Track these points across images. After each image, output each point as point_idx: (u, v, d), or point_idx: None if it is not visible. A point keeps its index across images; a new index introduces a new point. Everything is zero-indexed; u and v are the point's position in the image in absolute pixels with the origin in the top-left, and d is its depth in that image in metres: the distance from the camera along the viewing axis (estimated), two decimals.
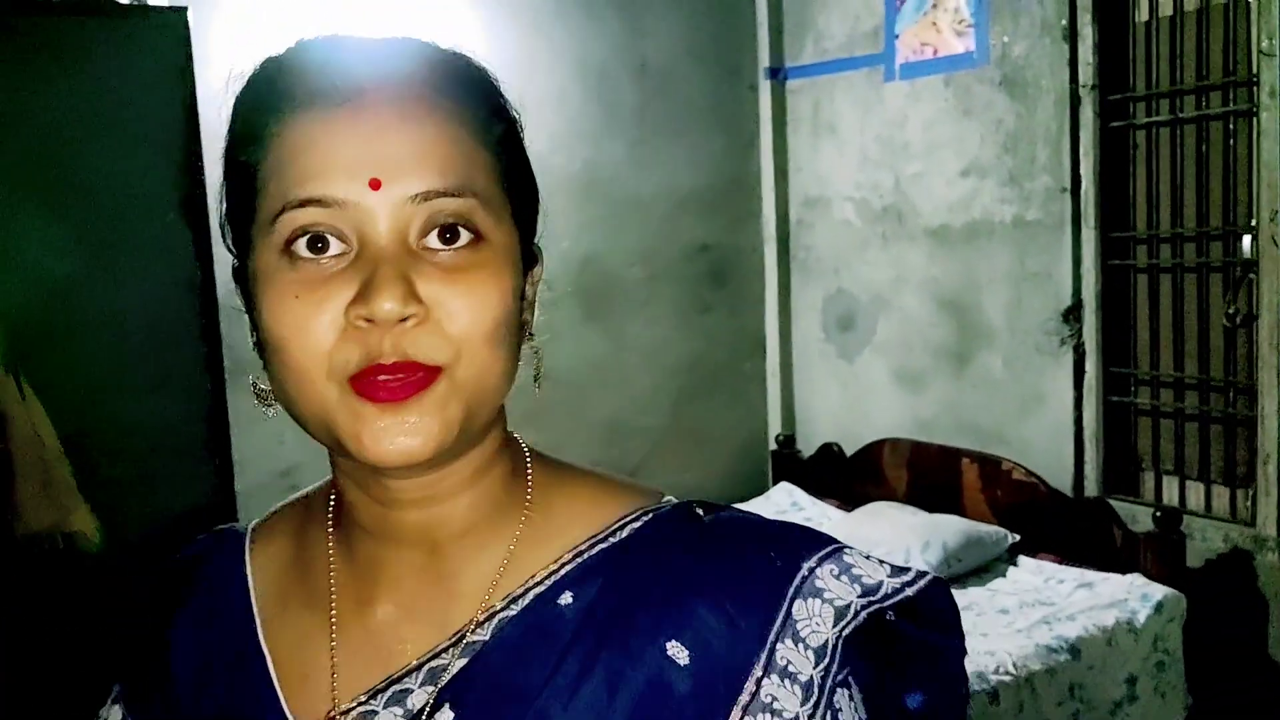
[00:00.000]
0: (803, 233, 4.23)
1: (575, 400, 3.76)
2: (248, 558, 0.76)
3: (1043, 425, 3.45)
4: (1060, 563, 3.22)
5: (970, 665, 2.65)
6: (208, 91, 3.09)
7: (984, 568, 3.29)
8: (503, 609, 0.66)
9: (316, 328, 0.60)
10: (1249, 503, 3.01)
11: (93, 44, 2.63)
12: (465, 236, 0.61)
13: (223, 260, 2.97)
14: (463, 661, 0.65)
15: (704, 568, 0.66)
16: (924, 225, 3.75)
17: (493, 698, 0.64)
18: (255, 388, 0.70)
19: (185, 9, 2.66)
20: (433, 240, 0.61)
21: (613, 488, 0.72)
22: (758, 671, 0.63)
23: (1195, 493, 3.18)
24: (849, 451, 3.98)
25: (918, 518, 3.45)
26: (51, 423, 2.51)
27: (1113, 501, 3.25)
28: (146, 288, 2.67)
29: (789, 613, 0.64)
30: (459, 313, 0.60)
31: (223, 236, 0.69)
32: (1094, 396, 3.33)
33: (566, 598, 0.66)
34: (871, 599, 0.66)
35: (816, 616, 0.64)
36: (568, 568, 0.67)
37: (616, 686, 0.63)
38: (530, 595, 0.67)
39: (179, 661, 0.75)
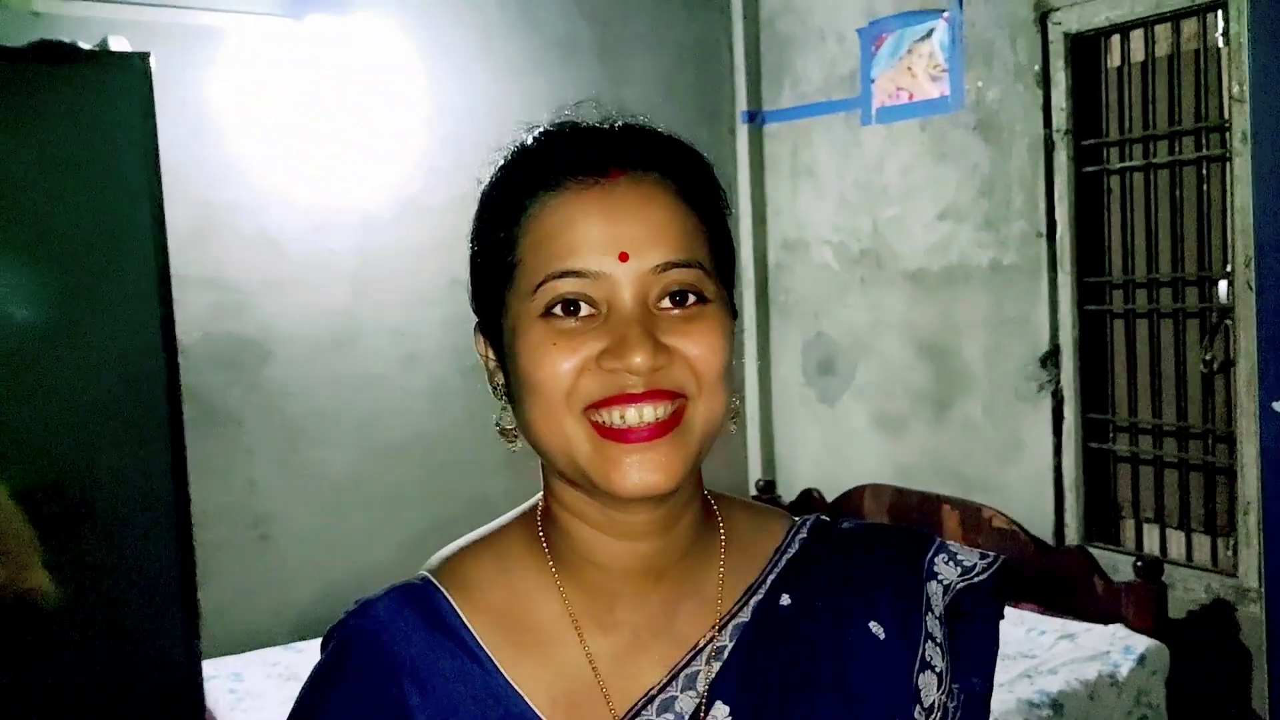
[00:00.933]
0: (782, 276, 4.21)
1: None
2: (458, 609, 0.78)
3: (1022, 472, 3.41)
4: (1042, 612, 3.16)
5: None
6: (169, 137, 3.08)
7: None
8: (736, 616, 0.80)
9: (569, 368, 0.71)
10: (1230, 552, 2.97)
11: (56, 91, 2.60)
12: (693, 299, 0.73)
13: (184, 305, 2.90)
14: (717, 665, 0.78)
15: (870, 569, 0.83)
16: (902, 269, 3.73)
17: (753, 688, 0.77)
18: (499, 426, 0.80)
19: (148, 54, 2.63)
20: (666, 302, 0.73)
21: (763, 509, 0.89)
22: (922, 639, 0.81)
23: (1176, 541, 3.14)
24: (830, 497, 3.93)
25: None
26: (9, 475, 2.45)
27: (1094, 550, 3.21)
28: (112, 337, 2.62)
29: (926, 594, 0.83)
30: (698, 352, 0.71)
31: (471, 298, 0.81)
32: (1073, 443, 3.30)
33: (785, 599, 0.81)
34: (967, 577, 0.84)
35: (937, 594, 0.83)
36: (771, 577, 0.82)
37: (843, 658, 0.79)
38: (753, 602, 0.81)
39: None
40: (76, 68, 2.64)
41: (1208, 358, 2.97)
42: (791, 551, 0.85)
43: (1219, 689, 2.91)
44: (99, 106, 2.62)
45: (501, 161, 0.78)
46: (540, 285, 0.72)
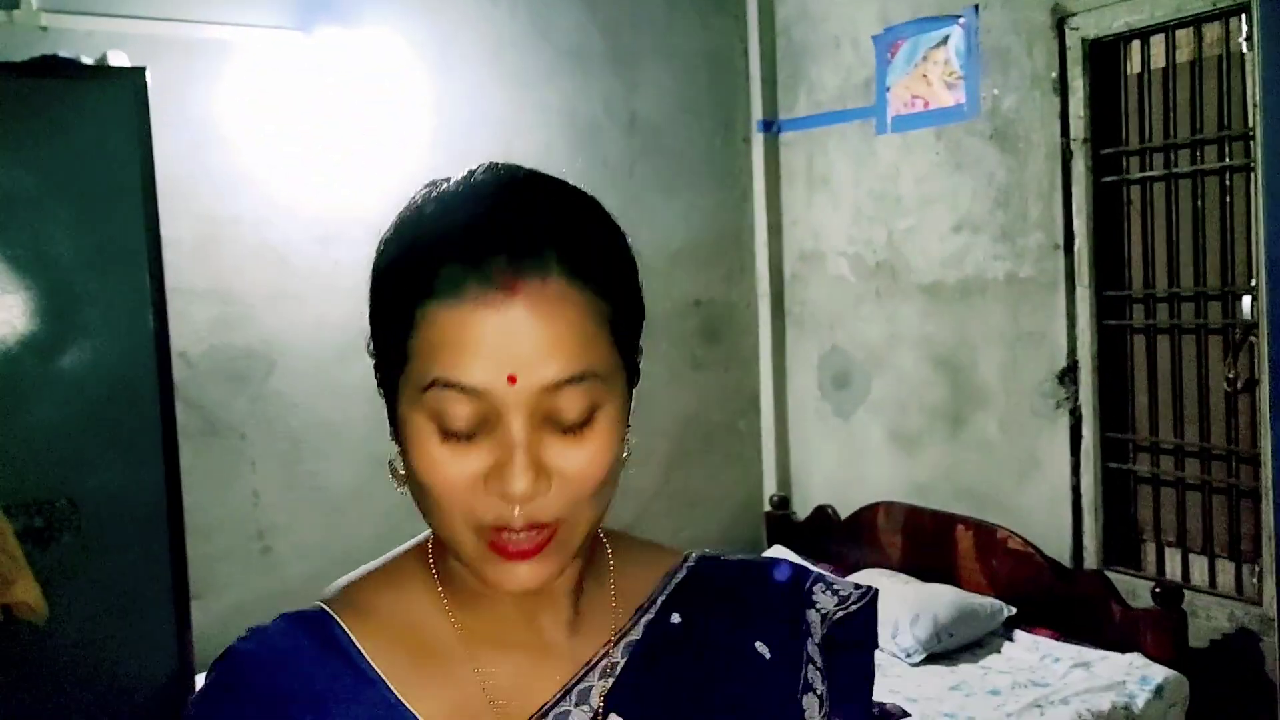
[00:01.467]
0: (797, 287, 4.13)
1: None
2: (351, 634, 0.79)
3: (1040, 491, 3.30)
4: (1057, 638, 3.05)
5: None
6: (173, 150, 3.08)
7: (978, 642, 3.14)
8: (628, 634, 0.82)
9: (459, 490, 0.71)
10: (1255, 579, 2.84)
11: (54, 105, 2.60)
12: (586, 411, 0.72)
13: (188, 317, 2.90)
14: (609, 680, 0.80)
15: (755, 594, 0.87)
16: (917, 282, 3.64)
17: (646, 701, 0.80)
18: (391, 467, 0.79)
19: (144, 69, 2.63)
20: (557, 417, 0.72)
21: (656, 544, 0.92)
22: (804, 662, 0.85)
23: (1199, 567, 3.01)
24: (844, 514, 3.84)
25: (910, 588, 3.31)
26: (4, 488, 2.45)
27: (1112, 574, 3.09)
28: (103, 349, 2.61)
29: (806, 621, 0.87)
30: (576, 477, 0.72)
31: (369, 342, 0.79)
32: (1092, 462, 3.18)
33: (676, 618, 0.84)
34: (842, 606, 0.88)
35: (815, 622, 0.87)
36: (661, 598, 0.85)
37: (731, 675, 0.82)
38: (644, 621, 0.84)
39: None
40: (74, 82, 2.64)
41: (1231, 375, 2.85)
42: (680, 576, 0.88)
43: None
44: (96, 120, 2.62)
45: (397, 238, 0.76)
46: (428, 388, 0.71)
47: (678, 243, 4.08)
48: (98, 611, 2.59)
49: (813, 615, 0.87)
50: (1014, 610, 3.18)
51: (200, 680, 2.79)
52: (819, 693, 0.85)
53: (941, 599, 3.18)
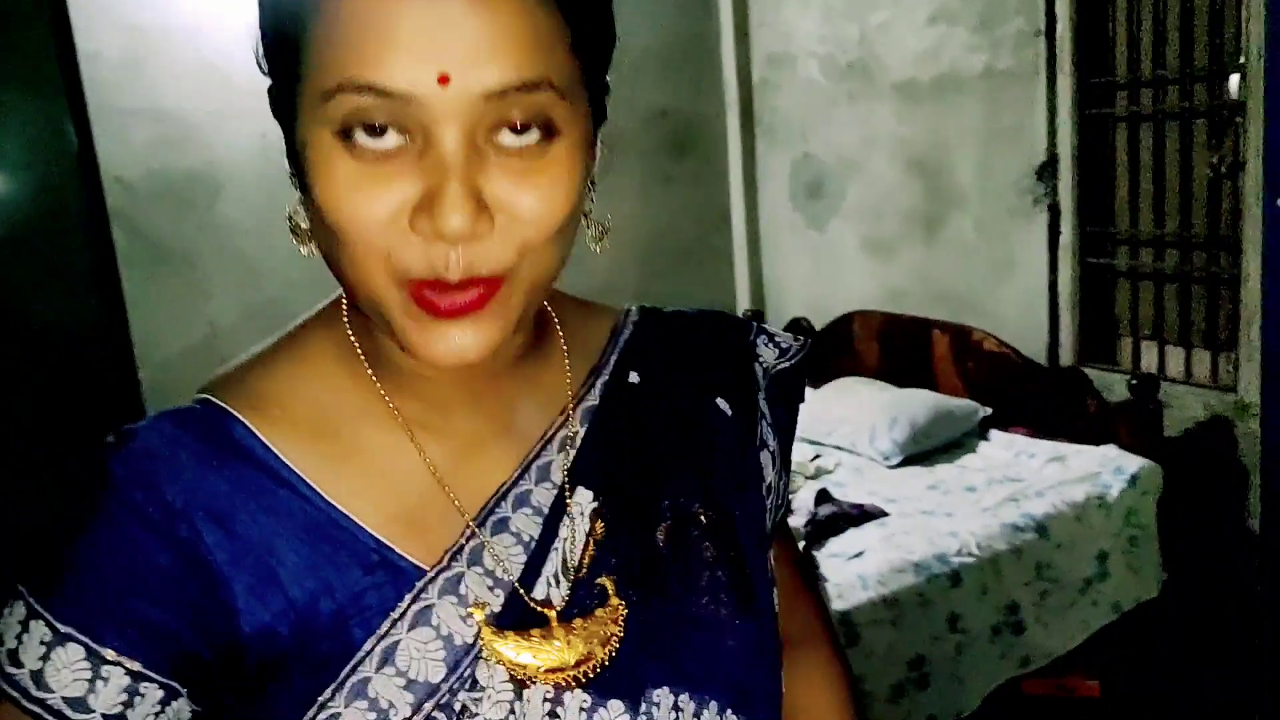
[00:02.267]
0: (767, 94, 3.96)
1: None
2: (254, 429, 0.64)
3: (1017, 291, 3.25)
4: (1032, 436, 3.06)
5: (931, 547, 2.53)
6: None
7: (954, 443, 3.13)
8: (584, 400, 0.72)
9: (378, 226, 0.56)
10: (1231, 367, 2.82)
11: None
12: (538, 134, 0.57)
13: (122, 138, 2.74)
14: (570, 452, 0.70)
15: (706, 349, 0.79)
16: (891, 80, 3.48)
17: (611, 469, 0.70)
18: (292, 223, 0.65)
19: None
20: (503, 136, 0.56)
21: (590, 302, 0.80)
22: (759, 418, 0.78)
23: (1175, 358, 2.99)
24: (819, 325, 3.79)
25: (886, 394, 3.29)
26: None
27: (1088, 370, 3.07)
28: (28, 173, 2.45)
29: (755, 375, 0.79)
30: (526, 217, 0.57)
31: (260, 68, 0.62)
32: (1069, 258, 3.12)
33: (634, 377, 0.75)
34: (781, 360, 0.81)
35: (759, 375, 0.80)
36: (613, 358, 0.75)
37: (693, 432, 0.74)
38: (599, 384, 0.74)
39: (227, 567, 0.62)
40: None
41: (1215, 160, 2.76)
42: (627, 333, 0.78)
43: (1214, 508, 2.81)
44: None
45: None
46: (333, 95, 0.55)
47: (639, 47, 3.87)
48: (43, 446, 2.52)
49: (757, 369, 0.80)
50: (989, 411, 3.17)
51: None
52: (771, 449, 0.79)
53: (918, 402, 3.16)
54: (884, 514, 2.72)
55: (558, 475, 0.69)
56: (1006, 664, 2.56)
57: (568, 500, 0.68)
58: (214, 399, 0.65)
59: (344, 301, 0.69)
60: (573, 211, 0.60)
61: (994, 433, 3.15)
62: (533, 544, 0.67)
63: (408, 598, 0.63)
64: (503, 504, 0.67)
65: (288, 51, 0.58)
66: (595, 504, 0.69)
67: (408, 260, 0.57)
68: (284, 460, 0.64)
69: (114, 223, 2.68)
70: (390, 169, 0.56)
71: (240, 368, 0.68)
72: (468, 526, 0.66)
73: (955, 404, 3.17)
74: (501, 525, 0.67)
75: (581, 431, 0.71)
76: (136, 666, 0.58)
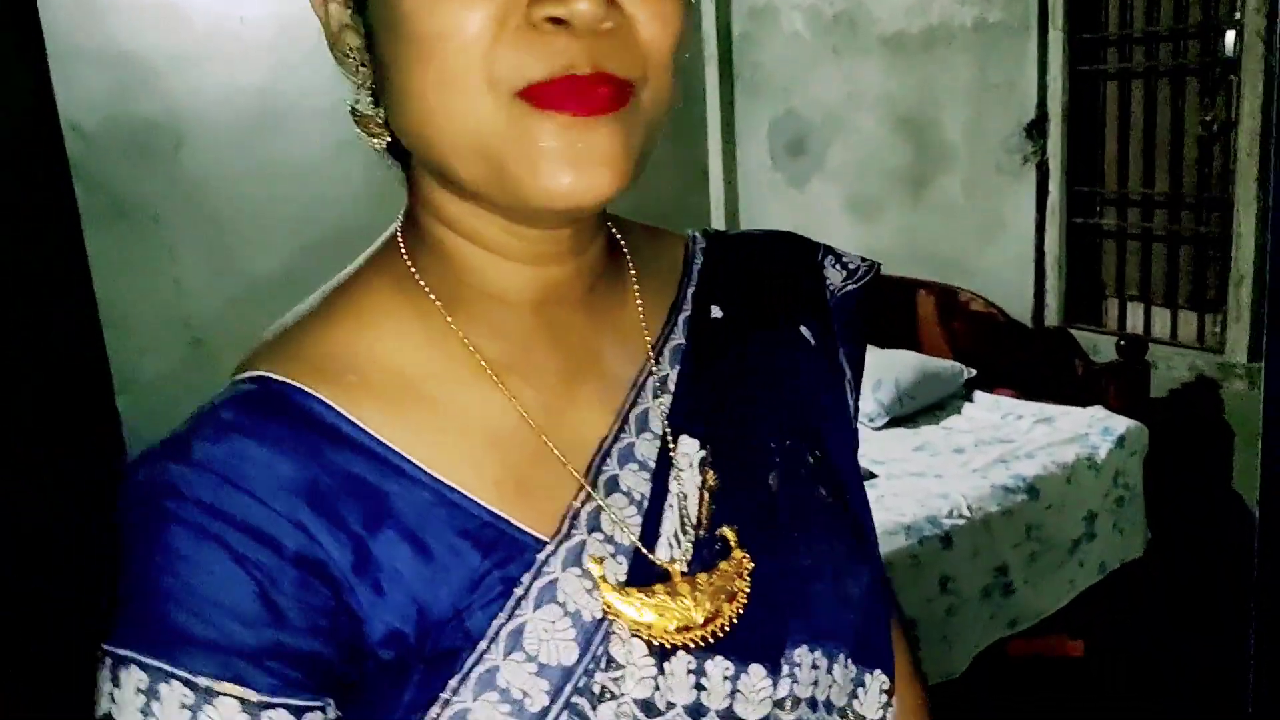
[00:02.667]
0: (747, 48, 3.87)
1: None
2: (333, 403, 0.55)
3: (1004, 252, 3.21)
4: (1019, 397, 3.03)
5: (923, 509, 2.49)
6: None
7: (939, 405, 3.10)
8: (670, 339, 0.66)
9: (481, 21, 0.49)
10: (1218, 328, 2.81)
11: None
12: None
13: (78, 83, 2.60)
14: (666, 398, 0.64)
15: (780, 274, 0.73)
16: (879, 34, 3.41)
17: (711, 412, 0.64)
18: (355, 111, 0.58)
19: None
20: None
21: (653, 227, 0.74)
22: (838, 344, 0.72)
23: (1161, 319, 2.98)
24: None
25: (871, 355, 3.15)
26: None
27: (1075, 331, 3.05)
28: None
29: (824, 297, 0.73)
30: (652, 24, 0.52)
31: None
32: (1057, 218, 3.08)
33: (716, 311, 0.69)
34: (848, 281, 0.75)
35: (829, 298, 0.73)
36: (690, 290, 0.69)
37: (784, 364, 0.69)
38: (681, 320, 0.68)
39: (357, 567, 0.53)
40: None
41: (1208, 118, 2.73)
42: (699, 263, 0.71)
43: (1199, 468, 2.81)
44: None
45: None
46: None
47: None
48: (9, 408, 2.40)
49: (826, 293, 0.74)
50: (974, 372, 3.14)
51: None
52: (848, 378, 0.73)
53: (902, 363, 3.12)
54: (872, 475, 2.68)
55: (657, 424, 0.63)
56: (995, 625, 2.54)
57: (672, 451, 0.62)
58: (273, 374, 0.56)
59: (400, 237, 0.62)
60: (684, 36, 0.55)
61: (979, 394, 3.12)
62: (645, 502, 0.60)
63: (529, 574, 0.56)
64: (609, 460, 0.60)
65: None
66: (702, 453, 0.63)
67: (517, 60, 0.50)
68: (375, 435, 0.55)
69: (71, 174, 2.54)
70: None
71: (292, 333, 0.59)
72: (581, 488, 0.59)
73: (940, 365, 3.14)
74: (613, 484, 0.60)
75: (673, 374, 0.65)
76: (294, 701, 0.51)
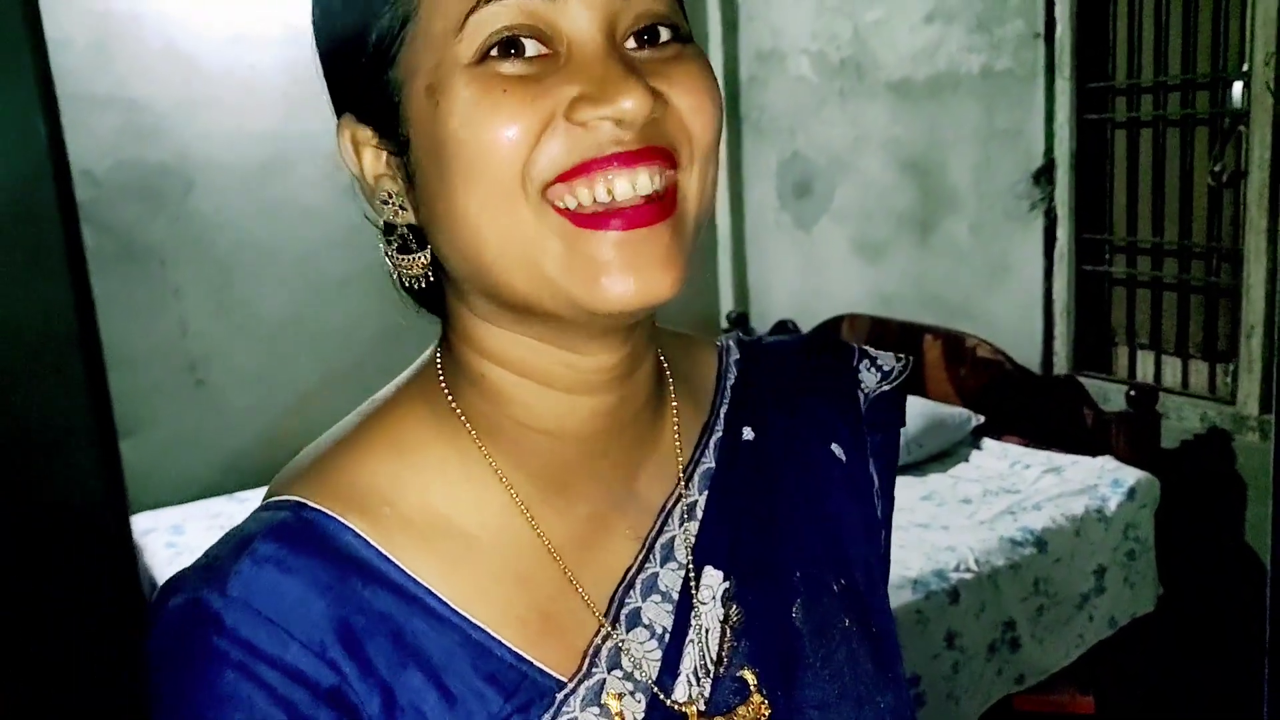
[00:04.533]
0: (755, 91, 3.87)
1: None
2: (366, 536, 0.56)
3: (1011, 297, 3.19)
4: (1027, 445, 3.01)
5: (929, 563, 2.46)
6: None
7: (946, 452, 3.08)
8: (700, 463, 0.66)
9: (528, 125, 0.50)
10: (1229, 379, 2.78)
11: None
12: (667, 35, 0.54)
13: (89, 128, 2.59)
14: (693, 525, 0.63)
15: (814, 388, 0.73)
16: (885, 79, 3.41)
17: (738, 540, 0.64)
18: (393, 260, 0.58)
19: None
20: (632, 42, 0.54)
21: (685, 335, 0.74)
22: (869, 454, 0.73)
23: (1172, 369, 2.95)
24: (806, 327, 3.72)
25: None
26: None
27: (1084, 379, 3.02)
28: None
29: (857, 405, 0.74)
30: (693, 103, 0.53)
31: (331, 87, 0.58)
32: (1065, 265, 3.06)
33: (748, 433, 0.68)
34: (883, 383, 0.76)
35: (862, 403, 0.74)
36: (724, 409, 0.69)
37: (814, 486, 0.69)
38: (713, 443, 0.67)
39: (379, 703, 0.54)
40: None
41: (1216, 169, 2.71)
42: (732, 377, 0.71)
43: (1211, 521, 2.77)
44: None
45: None
46: (469, 16, 0.51)
47: None
48: (12, 454, 2.39)
49: (860, 397, 0.75)
50: (982, 419, 3.12)
51: (144, 519, 2.57)
52: (877, 488, 0.74)
53: (909, 410, 3.08)
54: None
55: (682, 553, 0.62)
56: (1002, 681, 2.51)
57: (694, 583, 0.62)
58: (309, 502, 0.56)
59: (438, 367, 0.62)
60: (720, 120, 0.56)
61: (987, 441, 3.09)
62: (666, 636, 0.60)
63: (548, 715, 0.56)
64: (632, 592, 0.60)
65: (388, 23, 0.53)
66: (725, 584, 0.62)
67: (557, 155, 0.51)
68: (405, 570, 0.55)
69: (81, 217, 2.55)
70: (536, 84, 0.51)
71: (328, 459, 0.59)
72: (601, 624, 0.59)
73: (948, 411, 3.11)
74: (634, 618, 0.60)
75: (701, 499, 0.65)
76: None
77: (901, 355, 0.78)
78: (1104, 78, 2.96)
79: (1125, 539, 2.67)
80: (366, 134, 0.58)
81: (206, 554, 0.55)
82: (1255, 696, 2.24)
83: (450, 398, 0.60)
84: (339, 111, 0.59)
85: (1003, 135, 3.12)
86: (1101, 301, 3.09)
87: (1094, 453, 2.83)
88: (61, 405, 2.44)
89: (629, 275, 0.51)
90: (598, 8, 0.52)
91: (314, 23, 0.59)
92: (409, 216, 0.57)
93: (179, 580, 0.54)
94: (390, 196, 0.58)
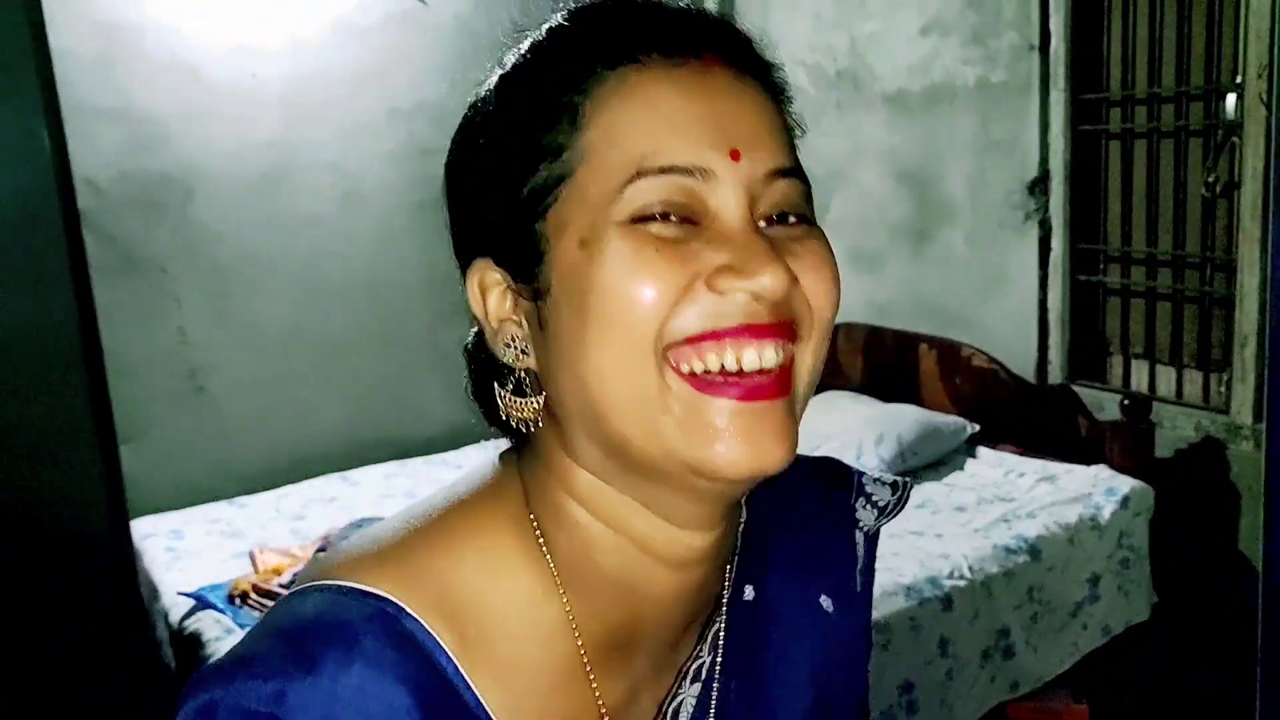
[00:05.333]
0: None
1: None
2: (456, 660, 0.56)
3: (1006, 307, 3.21)
4: (1021, 454, 3.02)
5: (923, 570, 2.48)
6: None
7: (941, 460, 3.09)
8: (713, 621, 0.67)
9: (676, 284, 0.53)
10: (1223, 388, 2.79)
11: None
12: (795, 219, 0.58)
13: (93, 139, 2.62)
14: (697, 685, 0.65)
15: (810, 531, 0.74)
16: (881, 91, 3.43)
17: (730, 701, 0.66)
18: (509, 406, 0.60)
19: None
20: (773, 226, 0.58)
21: None
22: (859, 590, 0.75)
23: (1166, 378, 2.97)
24: None
25: (872, 409, 3.24)
26: None
27: (1078, 388, 3.04)
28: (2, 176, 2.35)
29: (854, 548, 0.76)
30: (819, 286, 0.57)
31: (459, 235, 0.61)
32: (1060, 275, 3.08)
33: (749, 593, 0.69)
34: (880, 517, 0.78)
35: (860, 542, 0.76)
36: (732, 572, 0.69)
37: (804, 640, 0.71)
38: (724, 603, 0.68)
39: None
40: None
41: (1210, 180, 2.73)
42: (742, 519, 0.72)
43: (1205, 530, 2.78)
44: None
45: (533, 43, 0.59)
46: (627, 186, 0.53)
47: None
48: (14, 460, 2.41)
49: (858, 537, 0.77)
50: (977, 427, 3.13)
51: (144, 524, 2.57)
52: (866, 617, 0.78)
53: (904, 418, 3.11)
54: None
55: (685, 716, 0.65)
56: (996, 689, 2.52)
57: None
58: (406, 607, 0.55)
59: (525, 499, 0.62)
60: (840, 299, 0.60)
61: (982, 450, 3.11)
62: None
63: None
64: None
65: (542, 180, 0.56)
66: None
67: (690, 319, 0.54)
68: (482, 703, 0.56)
69: (83, 226, 2.58)
70: (684, 247, 0.54)
71: (413, 554, 0.58)
72: None
73: (943, 420, 3.13)
74: None
75: (708, 661, 0.67)
76: None
77: (900, 482, 0.79)
78: (1098, 89, 2.98)
79: (1119, 547, 2.68)
80: (497, 277, 0.59)
81: (277, 633, 0.54)
82: (1248, 704, 2.25)
83: (540, 536, 0.60)
84: (469, 253, 0.61)
85: (998, 146, 3.14)
86: (1096, 311, 3.11)
87: (1088, 461, 2.84)
88: (63, 411, 2.46)
89: (745, 444, 0.54)
90: (743, 190, 0.55)
91: (452, 169, 0.61)
92: (530, 361, 0.59)
93: (249, 664, 0.52)
94: (514, 340, 0.59)
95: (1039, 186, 3.07)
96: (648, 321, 0.53)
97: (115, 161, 3.02)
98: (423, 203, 3.43)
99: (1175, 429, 2.85)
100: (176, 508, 3.06)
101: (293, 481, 3.21)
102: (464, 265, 0.61)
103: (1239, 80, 2.62)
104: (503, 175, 0.57)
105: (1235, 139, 2.66)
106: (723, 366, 0.54)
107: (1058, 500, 2.72)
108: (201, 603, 2.42)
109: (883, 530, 0.78)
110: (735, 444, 0.53)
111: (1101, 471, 2.78)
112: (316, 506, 3.03)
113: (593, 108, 0.55)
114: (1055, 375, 3.14)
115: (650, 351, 0.53)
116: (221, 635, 2.30)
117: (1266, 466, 2.13)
